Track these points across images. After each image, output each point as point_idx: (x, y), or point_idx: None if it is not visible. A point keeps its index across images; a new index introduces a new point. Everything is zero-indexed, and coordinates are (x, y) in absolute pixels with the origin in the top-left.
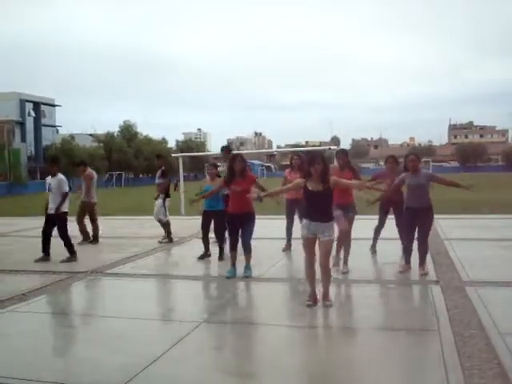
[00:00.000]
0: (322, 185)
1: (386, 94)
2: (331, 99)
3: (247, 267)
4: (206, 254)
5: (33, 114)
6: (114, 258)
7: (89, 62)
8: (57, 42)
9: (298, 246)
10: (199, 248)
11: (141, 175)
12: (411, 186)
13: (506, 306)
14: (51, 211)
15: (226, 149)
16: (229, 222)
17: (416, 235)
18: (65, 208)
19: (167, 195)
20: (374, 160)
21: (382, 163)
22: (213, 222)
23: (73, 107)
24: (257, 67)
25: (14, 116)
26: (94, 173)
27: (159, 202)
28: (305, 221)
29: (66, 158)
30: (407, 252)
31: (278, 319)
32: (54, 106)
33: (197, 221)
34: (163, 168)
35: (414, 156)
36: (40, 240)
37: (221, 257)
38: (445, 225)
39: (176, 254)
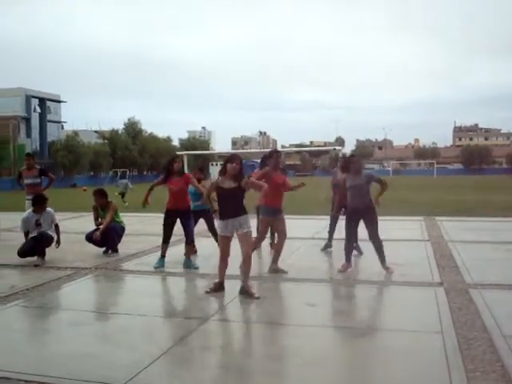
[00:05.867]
0: (233, 182)
1: (391, 95)
2: (337, 100)
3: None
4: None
5: (38, 109)
6: (117, 255)
7: (95, 60)
8: (64, 39)
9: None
10: (204, 246)
11: (145, 172)
12: (352, 186)
13: (510, 309)
14: None
15: None
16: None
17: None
18: None
19: None
20: (378, 161)
21: (386, 164)
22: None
23: (79, 104)
24: (263, 67)
25: (20, 112)
26: None
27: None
28: (220, 221)
29: (70, 155)
30: (348, 250)
31: (286, 318)
32: (59, 102)
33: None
34: (41, 167)
35: (357, 158)
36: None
37: None
38: (449, 227)
39: (181, 251)
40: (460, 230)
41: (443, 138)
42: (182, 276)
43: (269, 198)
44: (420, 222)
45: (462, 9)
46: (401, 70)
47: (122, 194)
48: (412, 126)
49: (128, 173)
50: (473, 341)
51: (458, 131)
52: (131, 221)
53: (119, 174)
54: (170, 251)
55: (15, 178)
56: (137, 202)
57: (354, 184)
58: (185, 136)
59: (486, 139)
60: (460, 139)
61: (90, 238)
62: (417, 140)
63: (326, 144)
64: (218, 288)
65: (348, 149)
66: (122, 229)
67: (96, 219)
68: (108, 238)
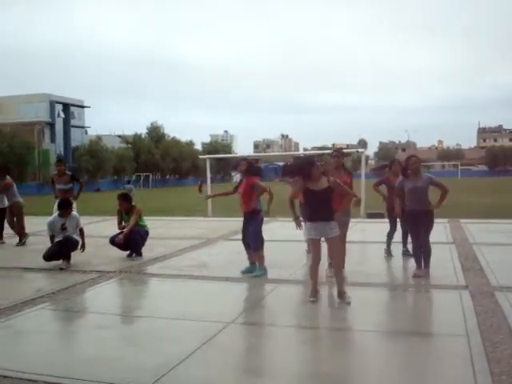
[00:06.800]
0: (324, 183)
1: (414, 97)
2: (359, 102)
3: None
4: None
5: (62, 115)
6: (141, 259)
7: (116, 65)
8: (86, 45)
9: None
10: (227, 249)
11: (168, 176)
12: (411, 188)
13: None
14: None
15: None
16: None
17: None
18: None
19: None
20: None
21: None
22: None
23: (102, 109)
24: (284, 70)
25: (44, 117)
26: None
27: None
28: (310, 223)
29: (93, 160)
30: (417, 256)
31: (306, 321)
32: (83, 107)
33: (224, 223)
34: (72, 172)
35: (417, 158)
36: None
37: None
38: (473, 229)
39: (204, 255)
40: (485, 233)
41: (467, 140)
42: (206, 279)
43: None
44: (444, 224)
45: (485, 8)
46: (425, 71)
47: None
48: (435, 127)
49: (151, 177)
50: (498, 344)
51: (482, 132)
52: (154, 224)
53: (138, 178)
54: (194, 254)
55: (50, 184)
56: (155, 205)
57: (415, 186)
58: (207, 140)
59: (511, 140)
60: (484, 140)
61: (113, 241)
62: (440, 142)
63: (348, 146)
64: (316, 294)
65: (371, 151)
66: (146, 232)
67: (119, 223)
68: (132, 241)
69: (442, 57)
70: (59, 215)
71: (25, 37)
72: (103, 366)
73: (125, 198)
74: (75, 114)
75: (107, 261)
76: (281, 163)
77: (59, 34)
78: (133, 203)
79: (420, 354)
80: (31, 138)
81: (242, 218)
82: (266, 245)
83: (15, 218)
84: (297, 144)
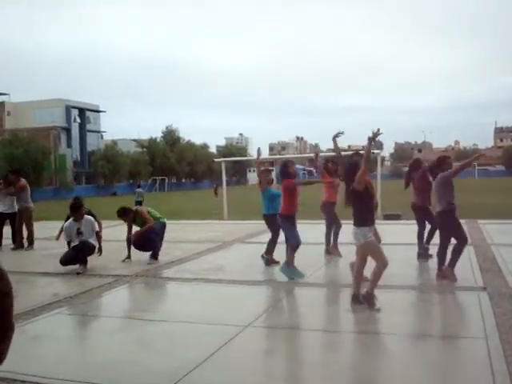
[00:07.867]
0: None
1: (429, 97)
2: (374, 103)
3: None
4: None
5: (78, 120)
6: (157, 262)
7: (131, 70)
8: (101, 50)
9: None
10: (243, 252)
11: (183, 180)
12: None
13: None
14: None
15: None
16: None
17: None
18: None
19: None
20: None
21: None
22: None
23: (117, 113)
24: (298, 72)
25: (60, 122)
26: None
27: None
28: (367, 227)
29: (109, 164)
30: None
31: (323, 324)
32: (98, 111)
33: (240, 226)
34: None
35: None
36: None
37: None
38: (491, 230)
39: (220, 258)
40: (503, 233)
41: (484, 140)
42: (223, 283)
43: None
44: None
45: (500, 7)
46: (440, 71)
47: (140, 203)
48: (452, 127)
49: (167, 180)
50: None
51: (500, 132)
52: (170, 228)
53: (151, 181)
54: (210, 257)
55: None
56: (171, 208)
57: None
58: (222, 143)
59: None
60: (501, 140)
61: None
62: (457, 142)
63: (363, 148)
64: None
65: (386, 152)
66: (163, 225)
67: (129, 232)
68: (147, 241)
69: (458, 56)
70: (74, 220)
71: (26, 40)
72: (119, 370)
73: (124, 214)
74: (91, 118)
75: (124, 265)
76: (296, 165)
77: (63, 39)
78: (132, 208)
79: (439, 355)
80: (47, 143)
81: (283, 219)
82: (283, 247)
83: (23, 224)
84: (312, 146)
